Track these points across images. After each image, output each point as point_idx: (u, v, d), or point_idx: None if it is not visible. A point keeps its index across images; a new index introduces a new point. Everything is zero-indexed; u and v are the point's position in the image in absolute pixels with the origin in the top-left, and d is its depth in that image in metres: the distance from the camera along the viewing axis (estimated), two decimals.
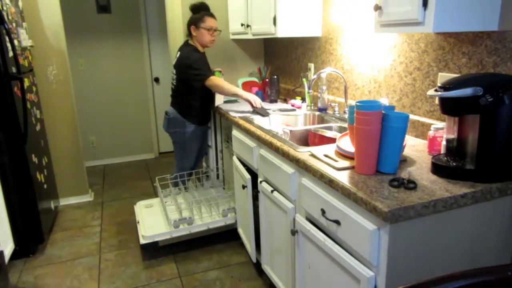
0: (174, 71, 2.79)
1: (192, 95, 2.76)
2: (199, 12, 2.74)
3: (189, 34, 2.78)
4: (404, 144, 1.42)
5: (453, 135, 1.33)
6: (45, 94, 3.26)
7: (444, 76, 1.64)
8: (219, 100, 2.84)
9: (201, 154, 3.10)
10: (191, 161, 2.96)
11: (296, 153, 1.61)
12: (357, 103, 1.29)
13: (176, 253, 2.64)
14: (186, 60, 2.68)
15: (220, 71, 2.93)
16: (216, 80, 2.65)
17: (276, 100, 2.91)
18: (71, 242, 2.86)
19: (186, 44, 2.81)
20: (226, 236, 2.79)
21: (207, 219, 2.67)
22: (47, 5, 3.14)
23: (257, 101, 2.57)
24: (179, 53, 2.80)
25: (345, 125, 2.08)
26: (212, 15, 2.75)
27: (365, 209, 1.16)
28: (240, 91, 2.64)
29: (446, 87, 1.23)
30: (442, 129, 1.50)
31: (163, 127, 2.95)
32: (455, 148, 1.33)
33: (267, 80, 2.98)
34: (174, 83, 2.82)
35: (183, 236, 2.61)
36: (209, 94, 2.83)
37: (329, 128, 2.13)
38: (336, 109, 2.30)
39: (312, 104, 2.54)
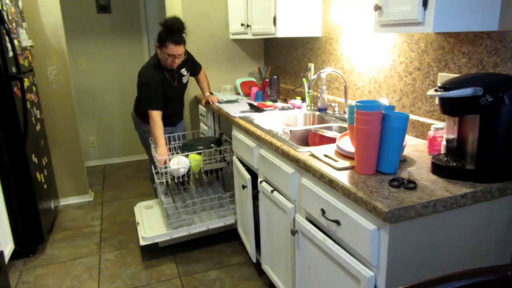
0: None
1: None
2: (170, 32, 2.49)
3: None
4: (404, 144, 1.42)
5: (453, 135, 1.33)
6: (45, 94, 3.27)
7: (444, 76, 1.64)
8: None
9: None
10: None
11: (296, 153, 1.61)
12: (357, 103, 1.29)
13: (176, 253, 2.64)
14: (139, 77, 2.64)
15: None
16: (154, 118, 2.57)
17: (276, 100, 2.91)
18: (71, 242, 2.86)
19: (154, 55, 2.71)
20: (226, 236, 2.79)
21: (206, 219, 2.67)
22: (47, 5, 3.14)
23: (161, 161, 2.51)
24: None
25: (345, 125, 2.08)
26: (177, 42, 2.48)
27: (365, 209, 1.16)
28: (160, 145, 2.57)
29: (446, 87, 1.23)
30: (442, 129, 1.50)
31: None
32: (455, 148, 1.33)
33: (267, 80, 2.98)
34: None
35: (183, 237, 2.61)
36: (167, 100, 2.70)
37: (329, 128, 2.13)
38: (336, 109, 2.30)
39: (312, 104, 2.54)
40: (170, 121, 2.89)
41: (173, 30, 2.49)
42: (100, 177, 4.27)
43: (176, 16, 2.63)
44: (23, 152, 2.53)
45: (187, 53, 2.80)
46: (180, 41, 2.51)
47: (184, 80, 2.83)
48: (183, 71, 2.81)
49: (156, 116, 2.59)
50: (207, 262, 2.54)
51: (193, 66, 2.93)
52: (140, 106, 2.70)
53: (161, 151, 2.57)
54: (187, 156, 2.54)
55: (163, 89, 2.66)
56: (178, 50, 2.51)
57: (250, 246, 2.34)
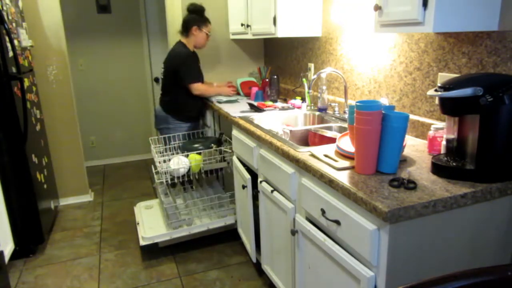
0: (163, 67, 2.94)
1: (175, 89, 2.88)
2: (201, 15, 2.85)
3: (185, 32, 2.88)
4: (404, 144, 1.42)
5: (453, 135, 1.33)
6: (45, 94, 3.27)
7: (444, 76, 1.64)
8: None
9: None
10: None
11: (296, 153, 1.61)
12: (357, 103, 1.29)
13: (176, 253, 2.64)
14: (181, 54, 2.83)
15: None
16: (199, 87, 2.86)
17: (276, 100, 2.91)
18: (71, 242, 2.86)
19: (179, 43, 2.92)
20: (226, 236, 2.79)
21: (206, 219, 2.67)
22: (47, 5, 3.15)
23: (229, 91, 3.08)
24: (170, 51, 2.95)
25: (345, 125, 2.08)
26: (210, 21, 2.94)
27: (365, 209, 1.16)
28: (218, 89, 3.06)
29: (446, 87, 1.23)
30: (442, 129, 1.50)
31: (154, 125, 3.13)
32: (455, 148, 1.33)
33: (267, 80, 2.98)
34: (162, 77, 2.98)
35: (183, 237, 2.61)
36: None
37: (329, 128, 2.13)
38: (336, 109, 2.30)
39: (312, 104, 2.54)
40: (190, 115, 3.02)
41: (203, 11, 2.90)
42: (100, 177, 4.27)
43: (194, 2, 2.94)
44: (23, 152, 2.53)
45: None
46: None
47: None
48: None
49: (199, 85, 2.87)
50: (207, 262, 2.54)
51: None
52: (182, 81, 2.83)
53: (222, 89, 3.06)
54: (187, 156, 2.55)
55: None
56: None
57: (250, 246, 2.34)
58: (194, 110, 3.01)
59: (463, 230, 1.22)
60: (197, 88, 2.85)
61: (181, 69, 2.80)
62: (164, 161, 2.63)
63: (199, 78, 2.91)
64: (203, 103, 3.06)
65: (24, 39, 2.75)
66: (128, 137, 4.76)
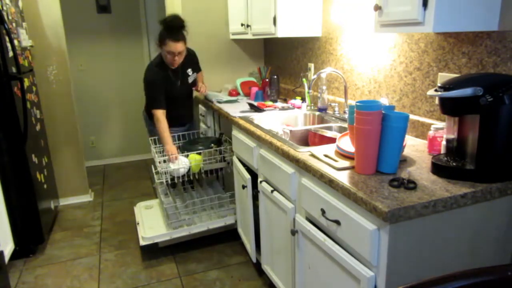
0: None
1: None
2: (169, 29, 2.48)
3: None
4: (404, 144, 1.42)
5: (453, 135, 1.33)
6: (45, 94, 3.27)
7: (444, 76, 1.64)
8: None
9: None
10: None
11: (296, 153, 1.61)
12: (357, 103, 1.29)
13: (176, 253, 2.64)
14: (146, 71, 2.67)
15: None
16: (158, 117, 2.59)
17: (276, 100, 2.91)
18: (71, 242, 2.86)
19: (159, 53, 2.67)
20: (226, 236, 2.79)
21: (206, 219, 2.67)
22: (47, 5, 3.15)
23: (173, 157, 2.50)
24: None
25: (345, 125, 2.08)
26: (176, 38, 2.47)
27: (365, 209, 1.16)
28: (167, 143, 2.57)
29: (446, 87, 1.23)
30: (442, 129, 1.50)
31: None
32: (455, 148, 1.33)
33: (267, 80, 2.98)
34: None
35: (183, 237, 2.61)
36: (172, 100, 2.70)
37: (329, 128, 2.13)
38: (336, 109, 2.30)
39: (312, 104, 2.54)
40: (179, 122, 2.90)
41: (172, 27, 2.48)
42: (100, 177, 4.27)
43: (175, 13, 2.63)
44: (23, 152, 2.52)
45: (194, 54, 2.85)
46: (179, 38, 2.50)
47: (190, 80, 2.83)
48: (189, 71, 2.81)
49: (160, 115, 2.61)
50: (207, 262, 2.54)
51: (198, 68, 2.93)
52: (146, 105, 2.74)
53: (168, 148, 2.56)
54: (187, 156, 2.55)
55: (166, 87, 2.67)
56: (177, 47, 2.50)
57: (250, 246, 2.34)
58: (174, 117, 2.74)
59: (463, 230, 1.22)
60: (155, 114, 2.61)
61: (144, 88, 2.67)
62: (164, 161, 2.63)
63: (155, 105, 2.62)
64: (178, 114, 2.83)
65: (24, 39, 2.75)
66: (128, 137, 4.76)
